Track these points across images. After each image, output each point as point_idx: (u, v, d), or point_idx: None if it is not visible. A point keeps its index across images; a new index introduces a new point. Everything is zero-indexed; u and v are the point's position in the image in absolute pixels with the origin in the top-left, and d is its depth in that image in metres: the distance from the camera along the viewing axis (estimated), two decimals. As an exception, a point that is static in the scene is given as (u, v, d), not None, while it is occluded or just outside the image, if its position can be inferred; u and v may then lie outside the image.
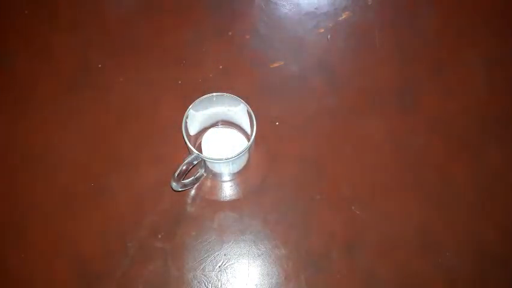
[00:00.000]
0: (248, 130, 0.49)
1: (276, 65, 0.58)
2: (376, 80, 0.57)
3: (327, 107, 0.56)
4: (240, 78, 0.57)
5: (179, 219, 0.51)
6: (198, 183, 0.51)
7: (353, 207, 0.51)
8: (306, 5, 0.61)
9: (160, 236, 0.50)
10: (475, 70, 0.58)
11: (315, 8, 0.61)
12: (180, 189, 0.47)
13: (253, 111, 0.45)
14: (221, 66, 0.57)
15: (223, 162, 0.45)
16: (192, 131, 0.49)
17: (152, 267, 0.49)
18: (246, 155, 0.48)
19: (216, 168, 0.49)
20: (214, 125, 0.52)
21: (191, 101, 0.45)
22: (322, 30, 0.59)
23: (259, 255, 0.50)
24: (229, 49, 0.59)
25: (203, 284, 0.48)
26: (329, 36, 0.59)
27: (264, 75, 0.57)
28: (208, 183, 0.53)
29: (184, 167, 0.44)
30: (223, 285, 0.48)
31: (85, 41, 0.58)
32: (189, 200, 0.52)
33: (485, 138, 0.55)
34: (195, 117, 0.48)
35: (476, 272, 0.49)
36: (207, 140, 0.51)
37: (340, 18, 0.60)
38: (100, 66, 0.57)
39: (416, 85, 0.57)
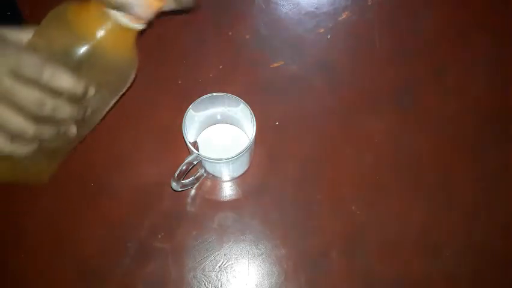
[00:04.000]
0: (248, 130, 0.49)
1: (276, 65, 0.58)
2: (376, 79, 0.57)
3: (327, 107, 0.56)
4: (240, 78, 0.57)
5: (179, 219, 0.51)
6: (197, 183, 0.51)
7: (353, 207, 0.51)
8: (306, 5, 0.61)
9: (160, 236, 0.50)
10: (474, 70, 0.58)
11: (315, 8, 0.61)
12: (180, 189, 0.47)
13: (253, 111, 0.45)
14: (221, 66, 0.57)
15: (223, 162, 0.45)
16: (192, 131, 0.49)
17: (152, 267, 0.49)
18: (247, 157, 0.48)
19: (216, 169, 0.49)
20: (213, 125, 0.52)
21: (191, 101, 0.45)
22: (322, 30, 0.59)
23: (259, 255, 0.50)
24: (229, 49, 0.59)
25: (203, 284, 0.48)
26: (329, 36, 0.59)
27: (264, 75, 0.57)
28: (208, 183, 0.53)
29: (184, 167, 0.44)
30: (223, 285, 0.48)
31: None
32: (189, 200, 0.52)
33: (485, 138, 0.55)
34: (195, 117, 0.48)
35: (476, 272, 0.49)
36: (202, 139, 0.51)
37: (340, 18, 0.60)
38: (100, 66, 0.57)
39: (416, 85, 0.57)
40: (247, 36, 0.59)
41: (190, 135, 0.46)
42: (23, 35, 0.37)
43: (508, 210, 0.52)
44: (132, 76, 0.40)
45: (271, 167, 0.53)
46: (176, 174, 0.44)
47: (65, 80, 0.34)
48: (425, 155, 0.54)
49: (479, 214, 0.51)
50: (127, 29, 0.36)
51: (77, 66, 0.34)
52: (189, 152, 0.45)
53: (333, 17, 0.60)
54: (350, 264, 0.49)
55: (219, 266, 0.49)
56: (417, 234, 0.51)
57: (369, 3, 0.61)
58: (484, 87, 0.57)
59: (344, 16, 0.60)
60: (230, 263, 0.49)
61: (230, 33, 0.59)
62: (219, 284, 0.48)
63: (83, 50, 0.34)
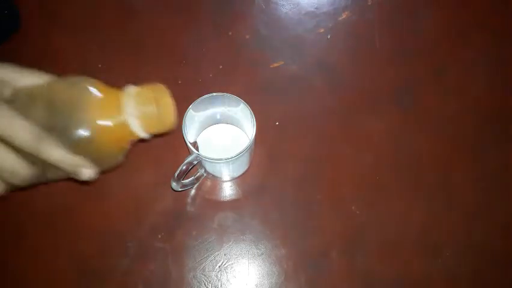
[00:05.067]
0: (248, 130, 0.49)
1: (276, 65, 0.58)
2: (376, 79, 0.57)
3: (327, 107, 0.56)
4: (240, 78, 0.57)
5: (179, 219, 0.51)
6: (197, 183, 0.51)
7: (353, 207, 0.51)
8: (306, 5, 0.61)
9: (160, 236, 0.50)
10: (474, 70, 0.58)
11: (315, 8, 0.61)
12: (180, 189, 0.47)
13: (253, 111, 0.45)
14: (221, 66, 0.57)
15: (223, 162, 0.45)
16: (192, 131, 0.49)
17: (152, 267, 0.49)
18: (247, 157, 0.48)
19: (216, 169, 0.49)
20: (213, 125, 0.52)
21: (191, 101, 0.45)
22: (322, 30, 0.59)
23: (259, 255, 0.50)
24: (229, 49, 0.59)
25: (203, 284, 0.48)
26: (329, 36, 0.59)
27: (264, 75, 0.57)
28: (208, 183, 0.53)
29: (184, 167, 0.44)
30: (223, 285, 0.48)
31: (85, 41, 0.58)
32: (189, 200, 0.52)
33: (485, 138, 0.55)
34: (195, 117, 0.48)
35: (476, 272, 0.49)
36: (202, 139, 0.51)
37: (340, 18, 0.60)
38: (100, 66, 0.57)
39: (416, 85, 0.57)
40: (247, 36, 0.59)
41: (190, 135, 0.46)
42: (27, 79, 0.35)
43: (508, 210, 0.52)
44: (115, 165, 0.39)
45: (271, 167, 0.53)
46: (176, 174, 0.44)
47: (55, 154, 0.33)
48: (425, 155, 0.54)
49: (479, 214, 0.51)
50: (133, 132, 0.36)
51: (67, 142, 0.33)
52: (189, 152, 0.45)
53: (333, 17, 0.60)
54: (350, 264, 0.49)
55: (219, 266, 0.49)
56: (417, 234, 0.51)
57: (369, 3, 0.61)
58: (484, 87, 0.57)
59: (344, 16, 0.60)
60: (230, 263, 0.49)
61: (230, 33, 0.59)
62: (219, 284, 0.48)
63: (80, 132, 0.33)
